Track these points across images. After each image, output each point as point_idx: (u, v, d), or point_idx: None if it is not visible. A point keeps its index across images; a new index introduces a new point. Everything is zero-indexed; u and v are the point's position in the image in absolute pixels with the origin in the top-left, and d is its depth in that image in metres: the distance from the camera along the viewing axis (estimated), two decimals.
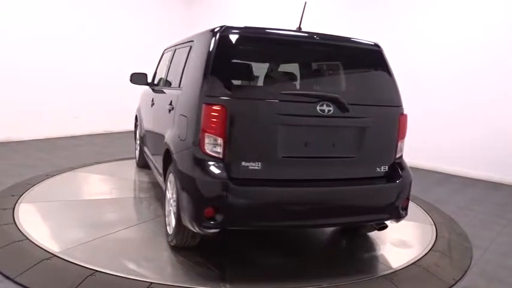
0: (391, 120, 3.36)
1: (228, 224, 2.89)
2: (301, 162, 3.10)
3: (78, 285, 2.80)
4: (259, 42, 3.27)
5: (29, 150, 7.04)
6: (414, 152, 7.68)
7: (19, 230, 3.60)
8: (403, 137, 3.43)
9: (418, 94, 7.64)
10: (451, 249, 3.91)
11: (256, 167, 2.94)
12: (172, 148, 3.37)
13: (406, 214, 3.42)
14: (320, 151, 3.16)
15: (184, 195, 3.03)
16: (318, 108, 3.03)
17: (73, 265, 3.06)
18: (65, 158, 6.52)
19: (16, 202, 4.28)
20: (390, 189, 3.33)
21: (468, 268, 3.53)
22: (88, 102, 8.77)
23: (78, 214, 4.12)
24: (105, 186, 5.33)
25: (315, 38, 3.34)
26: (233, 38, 3.08)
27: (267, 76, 3.60)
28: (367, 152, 3.26)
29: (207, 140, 2.90)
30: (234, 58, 3.16)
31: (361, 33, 7.94)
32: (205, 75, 2.96)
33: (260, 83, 3.45)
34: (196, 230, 2.94)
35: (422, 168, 7.62)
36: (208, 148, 2.90)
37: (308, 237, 4.03)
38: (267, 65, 3.86)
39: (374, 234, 4.21)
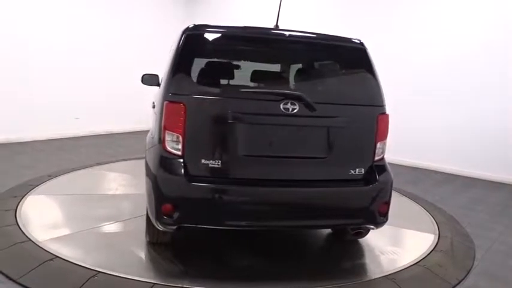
0: (368, 120, 3.18)
1: (184, 221, 2.89)
2: (265, 162, 3.01)
3: (81, 286, 2.80)
4: (225, 41, 3.23)
5: (29, 151, 7.03)
6: (416, 152, 7.76)
7: (21, 231, 3.60)
8: (383, 138, 3.24)
9: (421, 95, 7.66)
10: (453, 249, 3.90)
11: (216, 165, 2.92)
12: (146, 146, 3.51)
13: (385, 220, 3.22)
14: (286, 151, 3.06)
15: (147, 192, 3.08)
16: (282, 106, 2.94)
17: (76, 266, 3.06)
18: (66, 159, 6.51)
19: (18, 203, 4.27)
20: (363, 193, 3.16)
21: (471, 268, 3.53)
22: (89, 103, 8.76)
23: (81, 214, 4.11)
24: (108, 184, 5.33)
25: (285, 35, 3.22)
26: (199, 36, 3.09)
27: (230, 74, 3.37)
28: (338, 153, 3.11)
29: (167, 138, 2.92)
30: (199, 56, 3.12)
31: (361, 30, 7.93)
32: (172, 74, 2.98)
33: (223, 81, 3.27)
34: (157, 226, 2.95)
35: (423, 168, 7.62)
36: (169, 145, 2.92)
37: (306, 238, 4.02)
38: (234, 63, 3.64)
39: (374, 235, 4.21)
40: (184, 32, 3.06)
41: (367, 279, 3.22)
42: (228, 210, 2.96)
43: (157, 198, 2.89)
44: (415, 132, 7.81)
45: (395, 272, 3.33)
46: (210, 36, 3.14)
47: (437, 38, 7.50)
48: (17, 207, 4.17)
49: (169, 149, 2.92)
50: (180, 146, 2.89)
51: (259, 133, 3.01)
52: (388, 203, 3.23)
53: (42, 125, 8.00)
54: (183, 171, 2.86)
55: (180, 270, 3.17)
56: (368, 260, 3.61)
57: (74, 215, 4.10)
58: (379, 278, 3.24)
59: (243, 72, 3.50)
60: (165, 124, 2.92)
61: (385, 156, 3.32)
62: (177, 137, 2.89)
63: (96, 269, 3.02)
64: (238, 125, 2.94)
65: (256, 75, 3.50)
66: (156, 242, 3.48)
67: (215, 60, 3.33)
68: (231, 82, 3.30)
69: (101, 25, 8.95)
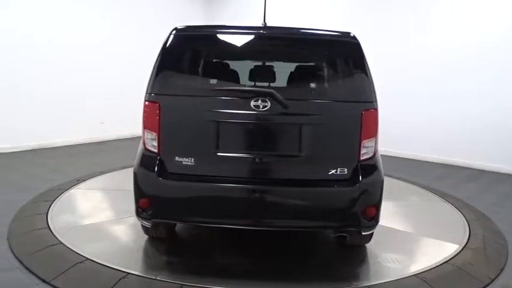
0: (350, 117, 2.99)
1: (158, 216, 3.03)
2: (237, 159, 3.00)
3: (112, 287, 2.85)
4: (203, 41, 3.25)
5: (59, 156, 7.22)
6: (445, 148, 7.59)
7: (53, 234, 3.70)
8: (370, 136, 3.02)
9: (449, 90, 7.51)
10: (485, 246, 3.79)
11: (190, 163, 2.98)
12: None
13: (372, 224, 3.04)
14: (259, 148, 3.02)
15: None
16: (252, 103, 2.91)
17: (106, 268, 3.13)
18: (93, 163, 6.66)
19: (49, 207, 4.38)
20: (341, 194, 2.98)
21: (504, 266, 3.43)
22: (114, 107, 8.92)
23: (111, 217, 4.19)
24: None
25: (264, 32, 3.18)
26: (178, 38, 3.14)
27: (205, 73, 3.34)
28: (315, 151, 3.00)
29: (146, 136, 3.08)
30: (177, 57, 3.14)
31: (366, 27, 7.82)
32: (153, 75, 3.08)
33: (197, 79, 3.25)
34: (139, 221, 3.11)
35: (452, 165, 7.45)
36: (148, 143, 3.07)
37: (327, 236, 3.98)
38: (211, 61, 3.57)
39: (402, 234, 4.14)
40: (168, 34, 3.16)
41: (397, 278, 3.16)
42: (197, 207, 3.01)
43: (135, 194, 3.05)
44: (441, 127, 7.66)
45: (425, 271, 3.26)
46: (189, 38, 3.21)
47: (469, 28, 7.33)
48: (48, 210, 4.28)
49: (148, 147, 3.07)
50: (156, 144, 3.03)
51: (231, 131, 3.01)
52: (376, 206, 3.01)
53: (71, 131, 8.19)
54: (156, 168, 2.98)
55: (205, 267, 3.19)
56: (396, 259, 3.53)
57: (104, 218, 4.18)
58: (409, 276, 3.18)
59: (220, 71, 3.47)
60: (144, 123, 3.09)
61: (378, 156, 3.14)
62: (154, 136, 3.03)
63: (126, 270, 3.08)
64: (210, 123, 2.97)
65: (232, 73, 3.47)
66: (155, 237, 3.62)
67: (192, 60, 3.27)
68: (205, 81, 3.28)
69: (122, 30, 9.06)
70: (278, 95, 2.90)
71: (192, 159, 2.99)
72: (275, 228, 3.36)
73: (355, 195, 2.95)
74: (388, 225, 4.00)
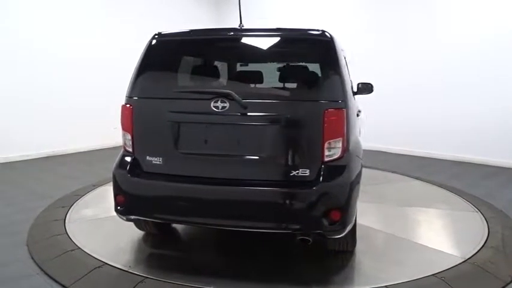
0: (311, 117, 2.90)
1: (131, 212, 3.18)
2: (201, 160, 3.05)
3: None
4: (175, 46, 3.34)
5: (73, 162, 7.31)
6: (461, 146, 7.50)
7: (71, 239, 3.75)
8: (334, 137, 2.89)
9: (463, 87, 7.43)
10: (505, 245, 3.73)
11: (158, 162, 3.11)
12: None
13: (337, 228, 2.87)
14: (221, 149, 3.02)
15: None
16: (212, 104, 2.94)
17: (123, 272, 3.16)
18: (107, 169, 6.67)
19: (66, 213, 4.45)
20: (302, 196, 2.86)
21: None
22: None
23: (127, 222, 4.21)
24: None
25: (231, 34, 3.23)
26: (154, 43, 3.27)
27: (174, 76, 3.40)
28: (276, 152, 2.94)
29: (123, 137, 3.25)
30: (152, 62, 3.24)
31: (373, 25, 7.76)
32: (132, 78, 3.24)
33: (166, 83, 3.30)
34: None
35: (469, 162, 7.35)
36: (125, 144, 3.25)
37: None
38: (183, 65, 3.55)
39: (418, 232, 4.10)
40: (149, 41, 3.30)
41: (415, 278, 3.11)
42: (163, 205, 3.11)
43: (113, 191, 3.22)
44: (456, 124, 7.57)
45: (444, 270, 3.21)
46: (163, 43, 3.29)
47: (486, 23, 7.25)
48: (65, 216, 4.35)
49: (126, 147, 3.25)
50: (131, 144, 3.20)
51: (193, 131, 3.07)
52: (341, 209, 2.85)
53: (84, 137, 8.30)
54: (128, 167, 3.14)
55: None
56: (415, 258, 3.49)
57: (120, 223, 4.20)
58: (427, 276, 3.13)
59: (190, 73, 3.50)
60: (121, 125, 3.24)
61: (350, 157, 3.03)
62: (129, 137, 3.19)
63: (143, 274, 3.10)
64: (174, 124, 3.07)
65: (201, 75, 3.47)
66: (147, 233, 3.83)
67: (164, 64, 3.34)
68: (173, 84, 3.31)
69: (133, 34, 9.12)
70: (236, 96, 2.90)
71: (160, 158, 3.11)
72: (235, 228, 3.36)
73: (314, 197, 2.83)
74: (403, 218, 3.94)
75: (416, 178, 6.21)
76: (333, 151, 2.91)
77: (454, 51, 7.51)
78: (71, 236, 3.82)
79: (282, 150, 2.95)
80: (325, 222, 2.83)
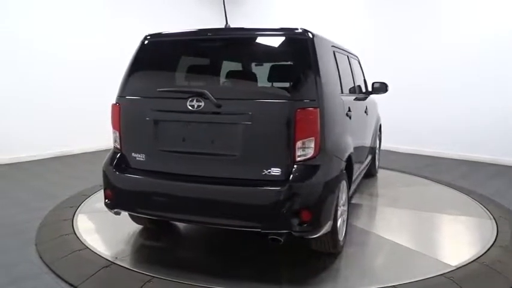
0: (282, 116, 2.88)
1: (116, 206, 3.32)
2: (179, 157, 3.15)
3: None
4: (159, 46, 3.45)
5: (80, 163, 7.35)
6: (470, 145, 7.46)
7: (79, 239, 3.76)
8: (306, 136, 2.86)
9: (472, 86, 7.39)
10: None
11: (142, 159, 3.26)
12: None
13: (307, 229, 2.86)
14: (198, 147, 3.09)
15: None
16: (188, 103, 3.02)
17: (131, 271, 3.17)
18: None
19: (74, 213, 4.47)
20: (271, 195, 2.84)
21: None
22: None
23: (133, 222, 4.23)
24: None
25: (211, 34, 3.29)
26: (142, 45, 3.43)
27: (157, 76, 3.47)
28: (249, 151, 2.95)
29: (113, 134, 3.42)
30: (140, 62, 3.40)
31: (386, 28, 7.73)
32: (123, 78, 3.40)
33: (149, 82, 3.37)
34: None
35: (477, 161, 7.31)
36: (115, 142, 3.41)
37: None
38: (165, 65, 3.56)
39: (426, 232, 4.08)
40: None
41: (423, 277, 3.09)
42: (143, 200, 3.23)
43: (103, 185, 3.39)
44: (464, 123, 7.53)
45: (452, 270, 3.19)
46: (151, 44, 3.41)
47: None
48: (73, 216, 4.37)
49: (115, 144, 3.41)
50: (118, 142, 3.37)
51: (172, 129, 3.18)
52: (311, 210, 2.83)
53: (90, 137, 8.32)
54: (115, 162, 3.33)
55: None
56: (423, 258, 3.47)
57: (128, 222, 4.22)
58: (436, 276, 3.11)
59: (172, 73, 3.53)
60: (111, 123, 3.41)
61: (325, 156, 2.98)
62: (117, 134, 3.37)
63: (151, 274, 3.10)
64: (154, 122, 3.19)
65: (179, 75, 3.51)
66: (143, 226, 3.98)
67: (150, 64, 3.46)
68: (155, 83, 3.34)
69: (138, 33, 9.14)
70: (209, 95, 2.95)
71: (143, 155, 3.26)
72: (207, 225, 3.55)
73: (283, 197, 2.81)
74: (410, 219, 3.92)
75: (424, 177, 6.20)
76: (305, 151, 2.89)
77: (462, 49, 7.48)
78: (79, 236, 3.83)
79: (254, 150, 2.96)
80: (295, 222, 2.82)
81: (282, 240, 2.94)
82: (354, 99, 4.25)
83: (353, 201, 4.92)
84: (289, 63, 3.18)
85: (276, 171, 2.89)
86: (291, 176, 2.85)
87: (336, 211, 3.16)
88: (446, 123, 7.76)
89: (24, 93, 7.30)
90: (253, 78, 3.35)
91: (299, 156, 2.88)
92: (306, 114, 2.87)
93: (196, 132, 3.11)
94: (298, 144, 2.87)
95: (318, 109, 2.91)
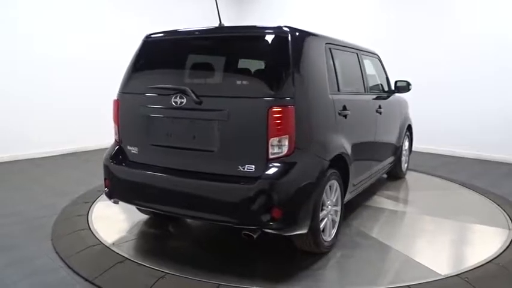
0: (256, 113, 2.92)
1: (112, 195, 3.56)
2: (165, 151, 3.32)
3: (150, 287, 2.91)
4: (156, 45, 3.62)
5: (95, 159, 7.40)
6: (483, 144, 7.35)
7: (93, 235, 3.81)
8: (279, 134, 2.88)
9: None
10: None
11: (135, 152, 3.47)
12: None
13: (279, 226, 2.89)
14: (181, 142, 3.24)
15: None
16: (172, 100, 3.17)
17: (144, 267, 3.20)
18: None
19: (89, 208, 4.53)
20: (242, 191, 2.89)
21: None
22: None
23: (147, 217, 4.28)
24: None
25: (199, 33, 3.46)
26: (143, 43, 3.63)
27: (151, 73, 3.58)
28: (226, 147, 3.03)
29: (114, 128, 3.64)
30: (140, 60, 3.59)
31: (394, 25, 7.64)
32: (125, 76, 3.61)
33: (145, 80, 3.51)
34: None
35: (492, 160, 7.20)
36: (116, 135, 3.63)
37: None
38: (159, 63, 3.64)
39: (440, 231, 4.04)
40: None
41: (438, 278, 3.06)
42: (134, 191, 3.43)
43: (103, 175, 3.60)
44: (477, 122, 7.43)
45: (468, 271, 3.16)
46: (149, 42, 3.62)
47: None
48: (88, 212, 4.43)
49: (116, 138, 3.64)
50: (117, 135, 3.60)
51: (160, 125, 3.34)
52: (281, 207, 2.85)
53: (106, 133, 8.37)
54: (113, 154, 3.57)
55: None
56: (438, 258, 3.44)
57: (141, 218, 4.27)
58: (451, 277, 3.08)
59: (165, 71, 3.57)
60: (113, 117, 3.62)
61: (301, 154, 2.99)
62: (117, 128, 3.60)
63: (164, 270, 3.13)
64: (144, 117, 3.39)
65: (168, 72, 3.53)
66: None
67: (147, 62, 3.60)
68: (149, 80, 3.47)
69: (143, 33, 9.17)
70: (189, 92, 3.09)
71: (136, 148, 3.46)
72: (190, 218, 3.92)
73: (253, 193, 2.85)
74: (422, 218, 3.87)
75: (438, 176, 6.14)
76: (280, 149, 2.92)
77: (475, 49, 7.39)
78: (93, 231, 3.89)
79: (231, 146, 3.04)
80: (264, 218, 2.86)
81: (255, 236, 2.97)
82: (357, 98, 4.21)
83: (366, 203, 4.90)
84: (266, 61, 3.19)
85: (250, 167, 2.95)
86: (264, 173, 2.89)
87: (316, 210, 3.14)
88: (459, 122, 7.65)
89: (39, 92, 7.40)
90: (233, 76, 3.36)
91: (273, 154, 2.91)
92: (280, 112, 2.89)
93: (179, 128, 3.25)
94: (272, 141, 2.90)
95: (294, 107, 2.92)
